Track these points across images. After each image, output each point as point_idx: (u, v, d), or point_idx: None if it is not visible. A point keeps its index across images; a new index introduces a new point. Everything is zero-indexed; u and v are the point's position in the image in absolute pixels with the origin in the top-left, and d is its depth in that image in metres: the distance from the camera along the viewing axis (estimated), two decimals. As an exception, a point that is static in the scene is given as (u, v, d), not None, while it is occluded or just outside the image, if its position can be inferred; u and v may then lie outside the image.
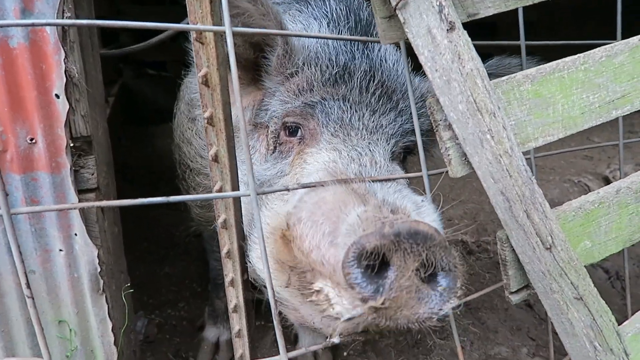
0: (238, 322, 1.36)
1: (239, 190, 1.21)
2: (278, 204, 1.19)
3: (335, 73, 1.26)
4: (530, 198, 0.96)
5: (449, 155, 1.00)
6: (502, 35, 5.23)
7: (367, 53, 1.32)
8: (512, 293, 1.06)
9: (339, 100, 1.24)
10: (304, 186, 1.10)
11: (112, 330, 1.47)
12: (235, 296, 1.32)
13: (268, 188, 1.13)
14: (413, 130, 1.28)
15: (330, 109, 1.24)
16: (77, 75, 1.22)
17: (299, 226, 0.98)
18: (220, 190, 1.16)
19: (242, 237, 1.25)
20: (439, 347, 2.32)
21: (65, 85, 1.23)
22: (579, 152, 4.39)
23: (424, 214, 1.01)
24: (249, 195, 1.01)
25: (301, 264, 0.99)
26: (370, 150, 1.19)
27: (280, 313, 0.99)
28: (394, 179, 1.12)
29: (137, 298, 2.26)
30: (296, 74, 1.29)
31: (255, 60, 1.33)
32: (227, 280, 1.30)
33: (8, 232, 0.89)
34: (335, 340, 0.96)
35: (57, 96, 1.22)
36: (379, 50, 1.34)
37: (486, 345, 2.35)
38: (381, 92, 1.29)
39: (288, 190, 1.10)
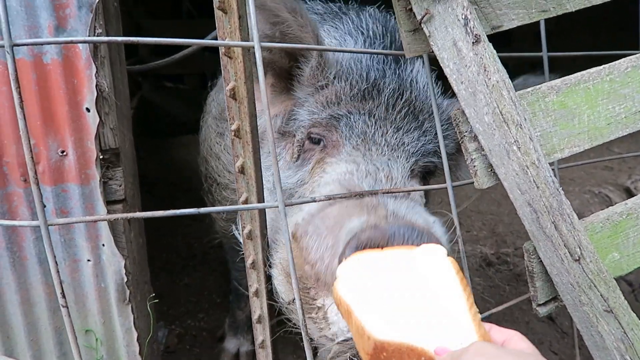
0: (262, 332, 1.37)
1: (264, 201, 1.23)
2: (297, 211, 1.21)
3: (365, 89, 1.28)
4: (558, 209, 0.96)
5: (474, 166, 1.00)
6: (517, 43, 5.21)
7: (399, 73, 1.33)
8: (539, 305, 1.05)
9: (364, 115, 1.27)
10: (329, 198, 1.12)
11: (137, 340, 1.49)
12: (259, 307, 1.33)
13: (295, 200, 1.14)
14: (435, 152, 1.33)
15: (354, 122, 1.26)
16: (107, 89, 1.25)
17: (305, 239, 1.04)
18: (246, 202, 1.18)
19: (266, 249, 1.26)
20: None
21: (96, 99, 1.26)
22: (599, 163, 4.34)
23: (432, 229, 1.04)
24: (277, 207, 1.03)
25: (307, 277, 1.04)
26: (388, 166, 1.21)
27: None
28: (410, 194, 1.15)
29: (157, 308, 2.28)
30: (326, 87, 1.31)
31: (289, 69, 1.36)
32: (251, 290, 1.31)
33: (45, 243, 0.92)
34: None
35: (88, 110, 1.26)
36: (411, 70, 1.36)
37: None
38: (407, 111, 1.30)
39: (315, 201, 1.12)
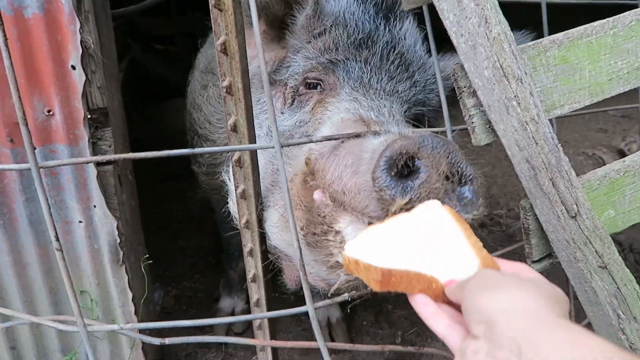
0: (257, 292, 1.37)
1: (257, 160, 1.20)
2: (299, 152, 1.18)
3: (361, 38, 1.32)
4: (556, 166, 0.94)
5: (472, 122, 0.98)
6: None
7: (390, 28, 1.37)
8: (534, 262, 1.06)
9: (361, 62, 1.30)
10: (328, 138, 1.07)
11: (132, 300, 1.49)
12: (254, 266, 1.33)
13: (292, 141, 1.12)
14: (424, 102, 1.39)
15: (351, 68, 1.30)
16: (92, 45, 1.21)
17: (321, 160, 0.99)
18: (239, 160, 1.16)
19: (260, 208, 1.25)
20: (453, 318, 2.34)
21: (81, 56, 1.21)
22: (593, 125, 4.32)
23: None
24: (273, 147, 0.98)
25: (319, 206, 0.98)
26: (386, 106, 1.25)
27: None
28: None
29: (153, 271, 2.28)
30: (323, 34, 1.33)
31: (282, 17, 1.37)
32: (245, 250, 1.30)
33: (37, 185, 0.90)
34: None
35: (74, 67, 1.21)
36: (400, 28, 1.39)
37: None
38: (400, 62, 1.35)
39: (312, 142, 1.08)
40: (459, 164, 0.87)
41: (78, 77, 1.22)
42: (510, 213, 3.18)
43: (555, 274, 2.66)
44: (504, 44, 0.91)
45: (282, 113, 1.36)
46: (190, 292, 2.45)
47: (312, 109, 1.31)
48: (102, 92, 1.28)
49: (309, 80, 1.34)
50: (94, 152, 1.30)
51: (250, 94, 1.14)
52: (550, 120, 1.01)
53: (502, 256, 1.02)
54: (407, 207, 0.84)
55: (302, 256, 0.96)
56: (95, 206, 1.36)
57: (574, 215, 0.96)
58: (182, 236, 2.84)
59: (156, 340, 1.02)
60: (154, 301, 2.23)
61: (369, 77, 1.29)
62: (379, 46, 1.32)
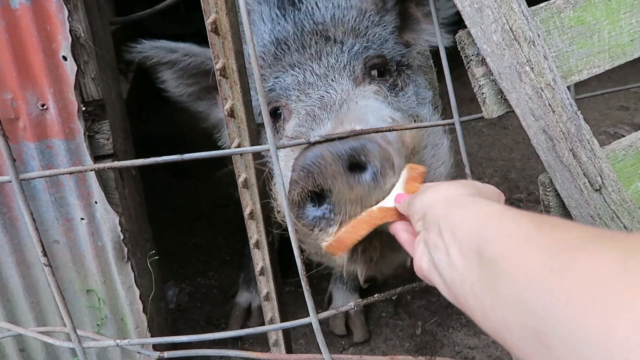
0: (266, 285, 1.32)
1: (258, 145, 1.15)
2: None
3: (274, 51, 1.32)
4: (577, 135, 0.87)
5: (483, 93, 0.91)
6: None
7: (294, 11, 1.33)
8: (556, 241, 0.98)
9: (288, 70, 1.30)
10: (328, 139, 1.03)
11: (140, 298, 1.45)
12: (261, 258, 1.28)
13: (287, 142, 1.07)
14: (366, 48, 1.32)
15: (284, 81, 1.30)
16: (83, 34, 1.16)
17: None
18: (238, 147, 1.10)
19: (264, 197, 1.20)
20: (474, 306, 2.27)
21: (72, 46, 1.17)
22: (614, 103, 4.17)
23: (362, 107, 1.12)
24: (269, 149, 0.95)
25: None
26: (325, 94, 1.23)
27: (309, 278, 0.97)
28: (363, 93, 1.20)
29: (166, 268, 2.26)
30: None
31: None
32: (251, 242, 1.26)
33: (19, 198, 0.86)
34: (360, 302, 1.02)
35: (65, 58, 1.17)
36: None
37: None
38: (317, 38, 1.31)
39: (309, 143, 1.04)
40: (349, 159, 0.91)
41: (70, 68, 1.18)
42: (530, 197, 3.07)
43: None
44: (512, 4, 0.84)
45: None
46: (204, 289, 2.42)
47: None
48: (97, 83, 1.24)
49: (271, 111, 1.33)
50: (91, 146, 1.26)
51: (247, 77, 1.09)
52: (567, 88, 0.94)
53: None
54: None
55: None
56: (96, 202, 1.32)
57: (598, 188, 0.88)
58: (195, 233, 2.81)
59: (154, 354, 0.97)
60: (167, 299, 2.20)
61: (301, 77, 1.28)
62: (292, 42, 1.30)
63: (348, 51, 1.30)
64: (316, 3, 1.34)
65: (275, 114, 1.35)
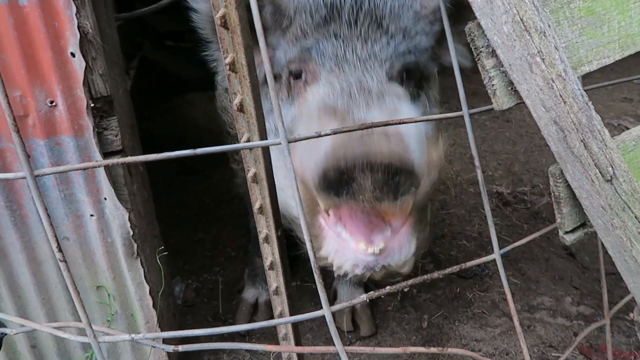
0: (275, 279, 1.32)
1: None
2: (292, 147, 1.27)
3: (325, 14, 1.31)
4: (588, 125, 0.87)
5: (493, 85, 0.91)
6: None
7: None
8: (567, 233, 0.98)
9: (331, 38, 1.31)
10: (335, 132, 1.04)
11: (150, 293, 1.46)
12: (270, 253, 1.28)
13: (300, 136, 1.07)
14: (409, 52, 1.36)
15: (324, 48, 1.31)
16: (91, 31, 1.16)
17: (296, 160, 1.15)
18: (248, 142, 1.11)
19: (274, 191, 1.20)
20: (479, 299, 2.27)
21: (80, 42, 1.17)
22: (617, 95, 4.17)
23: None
24: (279, 144, 0.95)
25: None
26: (361, 78, 1.26)
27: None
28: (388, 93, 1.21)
29: (172, 264, 2.26)
30: (291, 25, 1.35)
31: (249, 20, 1.36)
32: (261, 237, 1.26)
33: (33, 194, 0.86)
34: (372, 294, 1.02)
35: (73, 55, 1.17)
36: None
37: (528, 296, 2.29)
38: (370, 21, 1.32)
39: (320, 136, 1.04)
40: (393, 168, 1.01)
41: (78, 65, 1.18)
42: (534, 190, 3.08)
43: (586, 249, 2.56)
44: (524, -5, 0.84)
45: (284, 109, 1.38)
46: (211, 285, 2.43)
47: (299, 102, 1.35)
48: (105, 79, 1.24)
49: (292, 71, 1.37)
50: (100, 143, 1.27)
51: (255, 71, 1.09)
52: (577, 78, 0.94)
53: (532, 240, 1.01)
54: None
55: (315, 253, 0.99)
56: (105, 198, 1.32)
57: (609, 178, 0.88)
58: (200, 229, 2.82)
59: (169, 348, 0.97)
60: (175, 295, 2.21)
61: (343, 51, 1.29)
62: (346, 13, 1.30)
63: (394, 48, 1.32)
64: None
65: (294, 74, 1.37)
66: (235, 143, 1.74)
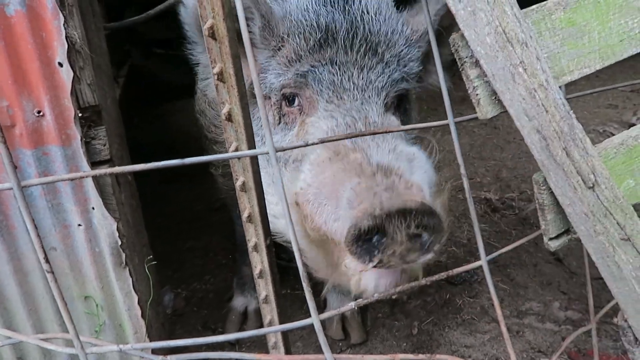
0: (264, 287, 1.33)
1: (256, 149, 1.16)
2: (292, 175, 1.26)
3: (320, 38, 1.28)
4: (570, 134, 0.89)
5: (477, 95, 0.93)
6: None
7: (347, 9, 1.31)
8: (551, 239, 1.00)
9: (327, 65, 1.28)
10: (323, 141, 1.05)
11: (139, 303, 1.45)
12: (259, 261, 1.28)
13: (287, 145, 1.08)
14: (402, 79, 1.34)
15: (321, 74, 1.28)
16: (79, 41, 1.17)
17: (308, 206, 1.14)
18: (236, 151, 1.11)
19: (262, 200, 1.20)
20: (468, 305, 2.29)
21: (68, 52, 1.17)
22: (602, 102, 4.23)
23: (416, 169, 1.14)
24: (267, 153, 0.96)
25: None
26: (364, 110, 1.24)
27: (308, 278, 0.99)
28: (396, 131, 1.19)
29: (162, 273, 2.26)
30: (283, 46, 1.31)
31: (238, 32, 1.32)
32: (250, 245, 1.26)
33: (20, 205, 0.86)
34: (360, 302, 1.03)
35: (61, 64, 1.18)
36: (359, 2, 1.33)
37: (517, 302, 2.31)
38: (366, 48, 1.30)
39: (308, 145, 1.05)
40: (421, 221, 1.01)
41: (66, 75, 1.18)
42: (522, 196, 3.11)
43: (574, 254, 2.58)
44: (505, 7, 0.85)
45: (275, 134, 1.36)
46: (200, 293, 2.42)
47: (297, 132, 1.33)
48: (93, 89, 1.24)
49: (286, 95, 1.33)
50: (88, 152, 1.27)
51: (244, 81, 1.10)
52: (559, 87, 0.95)
53: (520, 246, 1.03)
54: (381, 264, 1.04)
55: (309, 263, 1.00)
56: (93, 208, 1.32)
57: (591, 185, 0.90)
58: (189, 237, 2.81)
59: (157, 358, 0.97)
60: (164, 304, 2.20)
61: (339, 78, 1.26)
62: (341, 38, 1.27)
63: (389, 76, 1.30)
64: (366, 9, 1.32)
65: (288, 99, 1.34)
66: (213, 146, 1.74)
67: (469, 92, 0.95)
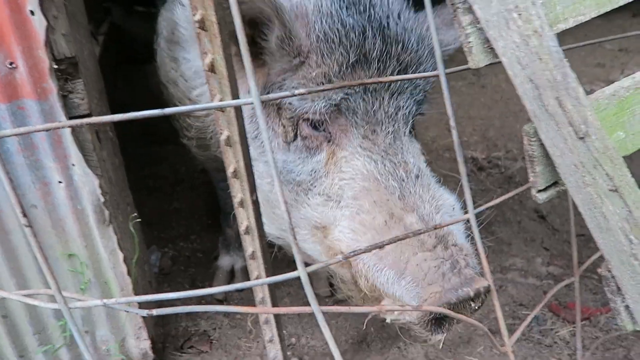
0: (251, 244, 1.32)
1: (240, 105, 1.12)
2: (321, 210, 1.23)
3: (354, 60, 1.14)
4: (563, 83, 0.87)
5: (469, 42, 0.90)
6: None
7: (380, 21, 1.17)
8: (539, 191, 0.99)
9: (360, 91, 1.15)
10: (314, 90, 1.00)
11: (124, 261, 1.44)
12: (246, 217, 1.27)
13: (273, 94, 1.03)
14: (424, 99, 1.27)
15: (354, 103, 1.16)
16: (50, -14, 1.10)
17: (362, 266, 1.12)
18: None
19: (247, 154, 1.18)
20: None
21: (40, 0, 1.11)
22: (590, 60, 4.21)
23: (459, 226, 1.17)
24: (252, 103, 0.92)
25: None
26: (399, 150, 1.18)
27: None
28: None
29: (148, 233, 2.24)
30: (307, 64, 1.17)
31: (252, 37, 1.19)
32: (235, 201, 1.24)
33: (-6, 156, 0.82)
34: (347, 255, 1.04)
35: (32, 13, 1.11)
36: (391, 13, 1.20)
37: (500, 258, 2.35)
38: (399, 70, 1.19)
39: (294, 95, 1.01)
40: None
41: (38, 24, 1.12)
42: (508, 155, 3.12)
43: (556, 212, 2.61)
44: (501, -52, 0.82)
45: (289, 151, 1.25)
46: (187, 253, 2.42)
47: (326, 163, 1.22)
48: (68, 39, 1.18)
49: (311, 120, 1.20)
50: (66, 107, 1.22)
51: (227, 30, 1.05)
52: (554, 35, 0.93)
53: (504, 202, 1.04)
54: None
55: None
56: (73, 164, 1.28)
57: (582, 136, 0.89)
58: (175, 198, 2.79)
59: (143, 312, 0.95)
60: (151, 263, 2.19)
61: (372, 107, 1.15)
62: (375, 59, 1.14)
63: (415, 99, 1.21)
64: (403, 30, 1.20)
65: (315, 126, 1.21)
66: (185, 117, 1.58)
67: (461, 40, 0.92)
